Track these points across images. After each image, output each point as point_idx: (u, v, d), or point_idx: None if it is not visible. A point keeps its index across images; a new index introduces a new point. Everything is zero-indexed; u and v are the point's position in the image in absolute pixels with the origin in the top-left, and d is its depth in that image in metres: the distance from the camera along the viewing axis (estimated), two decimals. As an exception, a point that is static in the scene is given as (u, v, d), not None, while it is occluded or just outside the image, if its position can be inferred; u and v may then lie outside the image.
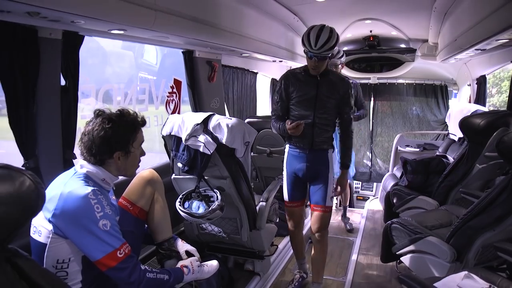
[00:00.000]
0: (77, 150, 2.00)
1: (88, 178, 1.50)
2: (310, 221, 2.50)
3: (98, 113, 1.52)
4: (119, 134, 1.50)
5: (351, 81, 2.93)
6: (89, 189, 1.40)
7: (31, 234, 1.45)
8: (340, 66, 3.50)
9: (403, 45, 4.76)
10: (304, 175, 2.44)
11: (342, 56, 3.50)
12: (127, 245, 1.44)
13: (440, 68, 5.02)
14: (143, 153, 1.63)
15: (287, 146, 2.51)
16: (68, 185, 1.44)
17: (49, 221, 1.39)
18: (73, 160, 2.02)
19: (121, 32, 1.81)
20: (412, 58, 4.83)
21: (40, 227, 1.42)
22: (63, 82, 1.92)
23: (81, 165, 1.54)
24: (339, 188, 2.49)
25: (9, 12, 1.31)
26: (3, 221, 0.93)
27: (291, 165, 2.47)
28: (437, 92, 5.37)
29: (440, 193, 2.86)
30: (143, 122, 1.58)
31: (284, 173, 2.51)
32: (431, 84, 5.35)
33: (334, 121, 2.43)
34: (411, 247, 2.24)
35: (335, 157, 2.67)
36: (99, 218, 1.38)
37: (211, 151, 2.10)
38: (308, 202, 2.58)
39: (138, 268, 1.46)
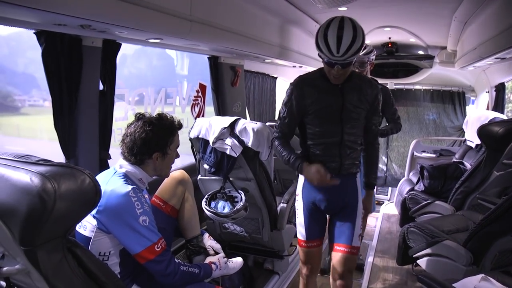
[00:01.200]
0: (111, 151, 2.15)
1: (127, 177, 1.62)
2: (331, 263, 1.97)
3: (139, 117, 1.65)
4: (158, 136, 1.62)
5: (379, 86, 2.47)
6: (129, 187, 1.52)
7: (77, 228, 1.58)
8: (368, 65, 2.76)
9: (421, 52, 4.80)
10: (327, 207, 1.95)
11: (371, 51, 2.78)
12: (163, 240, 1.56)
13: (458, 74, 5.03)
14: (177, 156, 1.75)
15: None
16: (110, 183, 1.56)
17: (94, 216, 1.52)
18: (108, 160, 2.16)
19: (158, 40, 1.93)
20: (430, 65, 4.85)
21: (86, 222, 1.55)
22: (101, 87, 2.06)
23: (120, 165, 1.66)
24: (363, 212, 1.99)
25: (65, 25, 1.44)
26: (67, 215, 1.04)
27: (310, 194, 1.96)
28: (454, 99, 5.38)
29: (456, 198, 2.91)
30: (179, 126, 1.70)
31: (299, 203, 2.01)
32: (448, 90, 5.36)
33: (361, 137, 1.99)
34: (428, 251, 2.31)
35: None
36: (139, 214, 1.50)
37: (237, 154, 2.21)
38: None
39: (173, 261, 1.57)
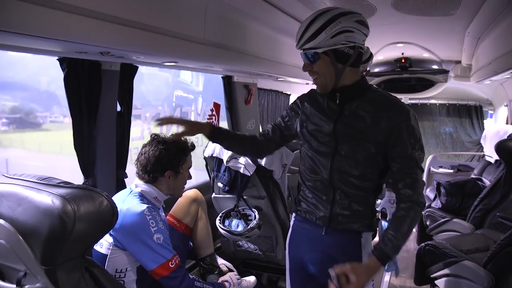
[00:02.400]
0: (128, 170, 2.20)
1: (142, 197, 1.67)
2: None
3: (154, 137, 1.72)
4: (171, 155, 1.68)
5: None
6: (144, 206, 1.57)
7: (94, 246, 1.62)
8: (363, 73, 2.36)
9: (435, 66, 4.76)
10: (317, 272, 1.45)
11: (369, 58, 2.42)
12: (178, 257, 1.60)
13: (474, 88, 4.97)
14: (189, 177, 1.80)
15: (293, 214, 1.57)
16: (126, 202, 1.61)
17: (110, 234, 1.56)
18: (124, 179, 2.21)
19: (173, 63, 2.00)
20: (444, 79, 4.81)
21: (102, 240, 1.60)
22: (118, 108, 2.13)
23: (136, 184, 1.72)
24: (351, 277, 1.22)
25: (86, 52, 1.52)
26: (86, 236, 1.09)
27: (297, 247, 1.51)
28: (471, 113, 5.30)
29: (475, 216, 2.84)
30: (192, 147, 1.76)
31: (286, 258, 1.57)
32: (464, 104, 5.29)
33: (376, 182, 1.39)
34: (446, 271, 2.25)
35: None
36: (153, 232, 1.54)
37: (251, 173, 2.23)
38: None
39: (187, 277, 1.60)
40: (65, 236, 1.02)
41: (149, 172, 1.68)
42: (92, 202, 1.10)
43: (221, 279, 1.89)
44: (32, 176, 1.17)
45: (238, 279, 1.90)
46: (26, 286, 1.09)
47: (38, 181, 1.12)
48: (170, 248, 1.60)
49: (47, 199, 1.04)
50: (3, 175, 1.22)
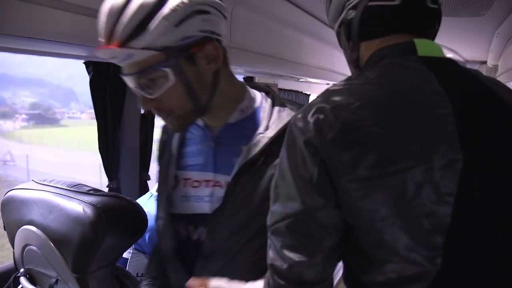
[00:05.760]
0: (151, 172, 2.21)
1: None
2: None
3: None
4: None
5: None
6: None
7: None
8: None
9: (459, 67, 4.66)
10: None
11: None
12: None
13: (500, 89, 4.83)
14: None
15: None
16: (146, 206, 1.61)
17: None
18: (147, 181, 2.22)
19: (198, 66, 1.99)
20: (469, 79, 4.69)
21: (126, 244, 1.60)
22: (142, 111, 2.13)
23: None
24: None
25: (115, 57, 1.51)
26: (117, 244, 1.09)
27: None
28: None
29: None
30: None
31: None
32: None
33: None
34: None
35: None
36: None
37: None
38: None
39: None
40: (96, 245, 1.02)
41: None
42: (123, 211, 1.10)
43: None
44: (62, 183, 1.17)
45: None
46: (58, 293, 1.10)
47: (69, 188, 1.13)
48: None
49: (78, 207, 1.04)
50: (33, 180, 1.23)
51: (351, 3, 0.72)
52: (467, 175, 0.58)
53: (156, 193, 1.65)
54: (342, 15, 0.75)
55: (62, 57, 1.62)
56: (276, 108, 0.90)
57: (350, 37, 0.75)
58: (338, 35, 0.81)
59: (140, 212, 1.12)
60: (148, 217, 1.54)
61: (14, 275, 1.21)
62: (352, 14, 0.72)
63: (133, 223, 1.11)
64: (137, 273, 1.60)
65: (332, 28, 0.82)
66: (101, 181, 7.13)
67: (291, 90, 3.82)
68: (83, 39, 1.23)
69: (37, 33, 1.10)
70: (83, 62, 1.76)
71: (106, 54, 0.79)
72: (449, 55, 4.24)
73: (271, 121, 0.87)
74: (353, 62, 0.78)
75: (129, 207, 1.11)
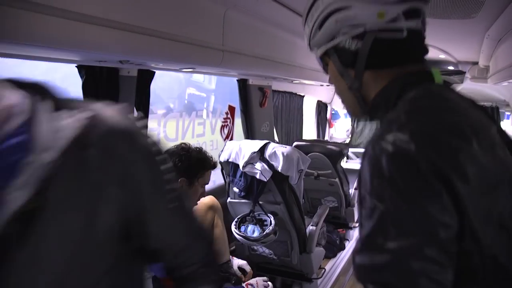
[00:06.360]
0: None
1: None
2: None
3: (182, 145, 1.72)
4: (189, 163, 1.67)
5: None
6: None
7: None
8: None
9: (451, 67, 4.69)
10: None
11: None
12: None
13: (491, 89, 4.88)
14: (203, 194, 1.77)
15: None
16: None
17: None
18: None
19: (191, 70, 2.00)
20: (460, 80, 4.73)
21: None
22: (135, 113, 2.13)
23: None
24: None
25: (105, 61, 1.52)
26: None
27: None
28: (487, 113, 5.21)
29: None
30: (214, 166, 1.74)
31: None
32: (480, 106, 5.20)
33: None
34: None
35: None
36: None
37: (267, 178, 2.22)
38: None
39: None
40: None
41: None
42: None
43: (247, 282, 1.92)
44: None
45: (266, 286, 1.92)
46: None
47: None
48: None
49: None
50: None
51: (352, 33, 0.71)
52: None
53: None
54: (335, 42, 0.75)
55: (55, 62, 1.62)
56: None
57: (350, 65, 0.75)
58: (323, 59, 0.82)
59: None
60: None
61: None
62: (357, 44, 0.72)
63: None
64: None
65: (310, 49, 0.83)
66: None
67: (285, 92, 3.84)
68: (77, 43, 1.23)
69: (30, 39, 1.10)
70: (76, 66, 1.76)
71: None
72: (441, 56, 4.27)
73: None
74: (354, 90, 0.77)
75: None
